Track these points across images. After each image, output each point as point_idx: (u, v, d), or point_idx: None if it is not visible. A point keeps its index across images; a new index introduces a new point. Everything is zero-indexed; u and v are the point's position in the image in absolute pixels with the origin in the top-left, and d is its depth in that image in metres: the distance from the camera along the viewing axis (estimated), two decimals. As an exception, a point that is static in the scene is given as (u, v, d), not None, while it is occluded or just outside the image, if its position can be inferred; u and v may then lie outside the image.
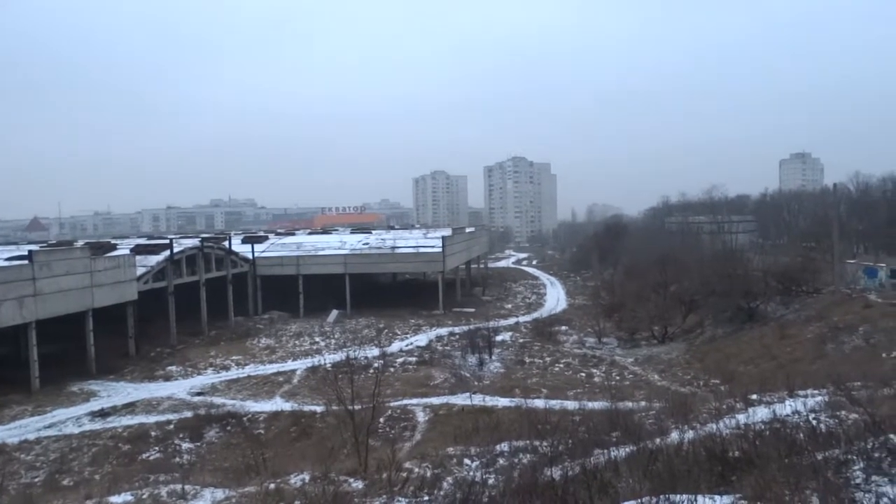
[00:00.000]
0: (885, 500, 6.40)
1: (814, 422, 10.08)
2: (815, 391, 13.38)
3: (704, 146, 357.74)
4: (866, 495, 6.61)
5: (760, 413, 11.23)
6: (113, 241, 60.27)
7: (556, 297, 71.82)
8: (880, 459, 7.41)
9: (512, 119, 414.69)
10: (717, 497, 6.77)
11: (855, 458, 7.60)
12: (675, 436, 10.46)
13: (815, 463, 7.57)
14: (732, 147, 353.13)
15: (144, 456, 24.94)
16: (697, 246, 74.60)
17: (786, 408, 11.37)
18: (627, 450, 9.84)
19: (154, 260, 47.14)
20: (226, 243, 60.54)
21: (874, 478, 7.01)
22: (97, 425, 28.10)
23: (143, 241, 63.42)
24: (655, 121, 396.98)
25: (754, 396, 13.73)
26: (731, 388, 19.33)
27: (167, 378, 37.02)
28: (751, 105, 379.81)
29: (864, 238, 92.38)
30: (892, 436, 7.91)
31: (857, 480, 7.04)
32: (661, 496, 6.77)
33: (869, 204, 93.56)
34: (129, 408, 30.71)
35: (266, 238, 73.73)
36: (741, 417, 11.11)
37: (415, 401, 28.35)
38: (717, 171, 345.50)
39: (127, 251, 47.18)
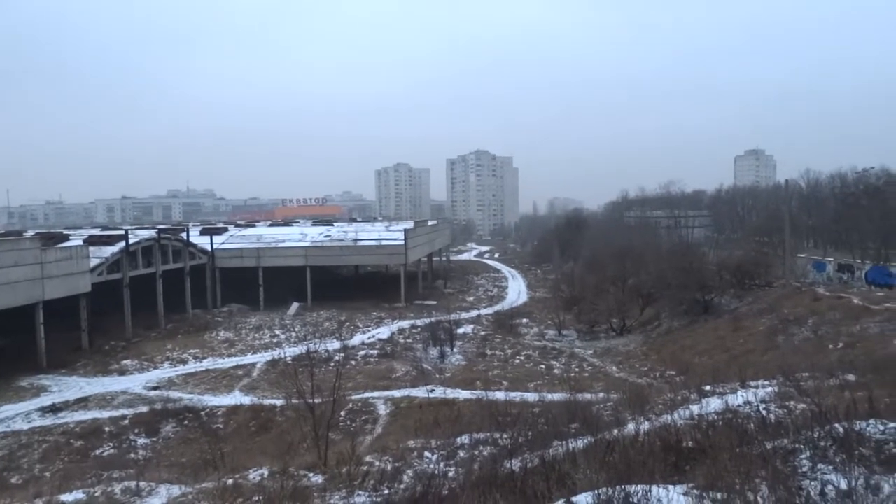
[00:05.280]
0: (830, 487, 6.62)
1: (764, 412, 10.36)
2: (766, 382, 13.77)
3: (664, 142, 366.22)
4: (812, 483, 6.83)
5: (714, 404, 11.49)
6: (65, 232, 58.51)
7: (517, 290, 72.38)
8: (826, 448, 7.66)
9: (476, 115, 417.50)
10: (670, 487, 6.90)
11: (802, 447, 7.84)
12: (631, 427, 10.63)
13: (765, 452, 7.78)
14: (690, 144, 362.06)
15: (97, 452, 24.31)
16: (655, 240, 75.95)
17: (738, 398, 11.66)
18: (585, 441, 9.96)
19: (108, 251, 45.94)
20: (183, 235, 59.25)
21: (820, 466, 7.25)
22: (48, 421, 27.29)
23: (97, 231, 61.83)
24: (617, 117, 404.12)
25: (708, 387, 14.04)
26: (686, 380, 19.76)
27: (122, 372, 36.18)
28: (708, 103, 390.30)
29: (814, 233, 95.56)
30: (836, 425, 8.18)
31: (804, 469, 7.27)
32: (617, 487, 6.87)
33: (819, 200, 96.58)
34: (82, 403, 29.91)
35: (225, 230, 72.46)
36: (695, 408, 11.35)
37: (376, 394, 28.27)
38: (676, 166, 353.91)
39: (80, 242, 45.82)
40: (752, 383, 13.77)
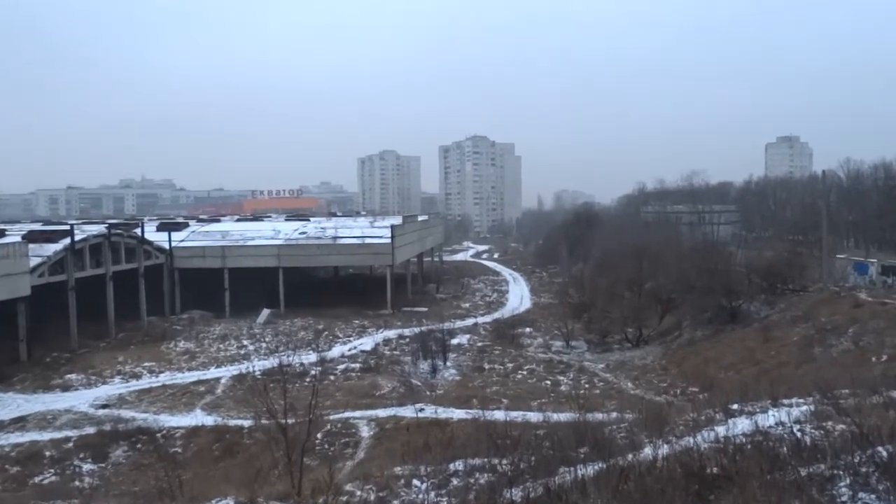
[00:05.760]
0: (873, 519, 6.63)
1: (798, 434, 10.39)
2: (801, 400, 13.83)
3: (685, 129, 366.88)
4: (852, 514, 6.84)
5: (741, 425, 11.52)
6: (1, 227, 58.09)
7: (519, 296, 72.44)
8: (868, 474, 7.69)
9: (473, 98, 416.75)
10: (692, 519, 6.91)
11: (841, 473, 7.86)
12: (648, 451, 10.65)
13: (799, 479, 7.81)
14: (715, 131, 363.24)
15: (36, 480, 24.17)
16: (675, 238, 76.17)
17: (769, 418, 11.70)
18: (596, 467, 9.96)
19: (51, 249, 45.67)
20: (138, 230, 59.08)
21: (861, 495, 7.27)
22: (-21, 444, 27.09)
23: (37, 226, 61.63)
24: (632, 102, 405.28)
25: (735, 406, 14.08)
26: (711, 397, 19.82)
27: (66, 388, 35.98)
28: (736, 86, 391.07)
29: (855, 230, 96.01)
30: (880, 448, 8.20)
31: (844, 498, 7.29)
32: (632, 519, 6.87)
33: (860, 193, 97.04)
34: (19, 423, 29.69)
35: (186, 225, 72.29)
36: (721, 430, 11.38)
37: (358, 413, 28.21)
38: (699, 156, 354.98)
39: (18, 238, 45.55)
40: (785, 401, 13.83)
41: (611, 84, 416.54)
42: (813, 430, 10.63)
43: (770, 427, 11.06)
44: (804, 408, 12.62)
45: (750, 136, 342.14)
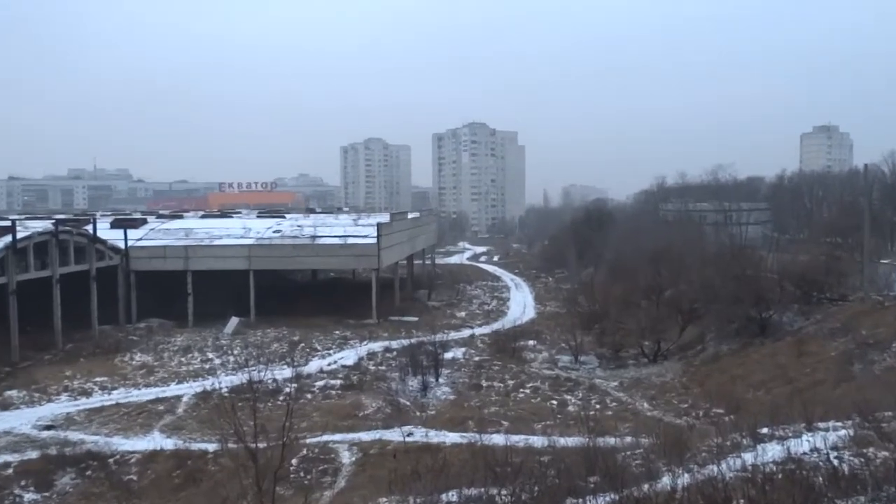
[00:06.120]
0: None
1: (835, 461, 10.43)
2: (839, 423, 13.88)
3: (710, 118, 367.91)
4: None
5: (772, 451, 11.55)
6: (-68, 223, 57.83)
7: (521, 304, 72.59)
8: (914, 508, 7.71)
9: (471, 84, 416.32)
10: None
11: (884, 506, 7.88)
12: (666, 481, 10.67)
13: (837, 513, 7.82)
14: (744, 120, 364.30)
15: (-28, 511, 24.07)
16: (699, 240, 76.32)
17: (802, 444, 11.74)
18: (608, 499, 9.98)
19: (-11, 249, 45.52)
20: (89, 227, 58.83)
21: (906, 531, 7.29)
22: None
23: (-26, 223, 61.17)
24: (651, 87, 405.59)
25: (765, 430, 14.14)
26: (737, 420, 19.87)
27: (5, 406, 35.88)
28: (767, 71, 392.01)
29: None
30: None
31: (886, 535, 7.31)
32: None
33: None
34: (-47, 447, 29.57)
35: (144, 221, 72.09)
36: (748, 457, 11.41)
37: (338, 437, 28.21)
38: (725, 147, 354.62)
39: (-48, 236, 45.40)
40: (821, 425, 13.88)
41: (628, 69, 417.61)
42: (852, 458, 10.66)
43: (804, 454, 11.09)
44: (842, 432, 12.66)
45: (783, 127, 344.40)
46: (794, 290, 44.84)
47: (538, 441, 22.77)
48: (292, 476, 23.31)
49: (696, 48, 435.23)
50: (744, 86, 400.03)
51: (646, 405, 34.42)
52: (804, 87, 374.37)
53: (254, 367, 36.03)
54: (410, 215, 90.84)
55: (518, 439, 22.18)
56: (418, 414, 32.55)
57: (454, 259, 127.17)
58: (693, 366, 42.18)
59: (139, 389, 38.94)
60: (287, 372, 38.28)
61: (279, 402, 32.07)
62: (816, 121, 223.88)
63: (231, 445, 17.88)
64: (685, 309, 48.10)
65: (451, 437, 26.79)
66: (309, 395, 36.60)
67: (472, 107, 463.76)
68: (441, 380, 39.13)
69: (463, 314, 66.07)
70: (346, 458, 26.14)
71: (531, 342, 51.36)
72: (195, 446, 28.10)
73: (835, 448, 11.30)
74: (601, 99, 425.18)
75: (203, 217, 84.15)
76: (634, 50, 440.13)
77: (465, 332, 54.89)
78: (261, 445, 15.41)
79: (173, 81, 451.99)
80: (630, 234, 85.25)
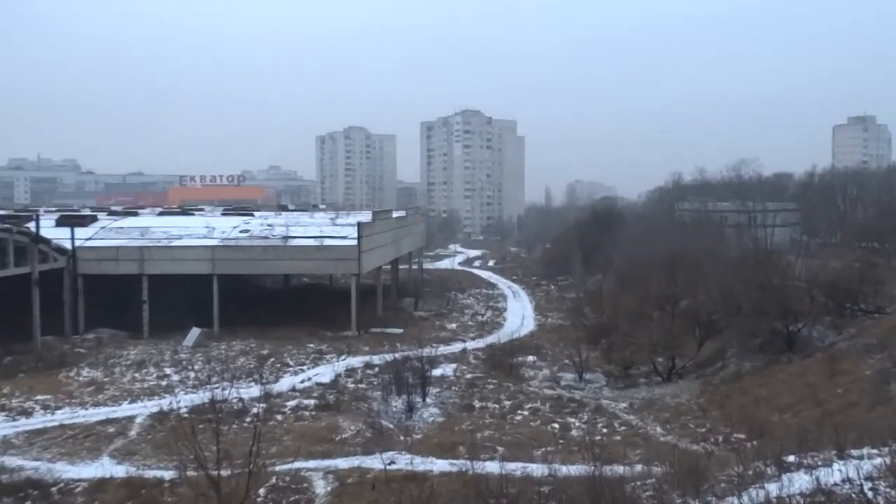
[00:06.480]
0: None
1: (870, 493, 10.49)
2: (874, 450, 13.96)
3: (732, 109, 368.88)
4: None
5: (799, 482, 11.62)
6: None
7: (520, 314, 72.66)
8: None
9: (466, 71, 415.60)
10: None
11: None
12: (681, 514, 10.70)
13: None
14: (770, 110, 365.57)
15: None
16: (719, 244, 76.59)
17: (833, 474, 11.80)
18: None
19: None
20: (31, 225, 58.60)
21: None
22: None
23: None
24: (666, 74, 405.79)
25: (791, 458, 14.20)
26: (761, 446, 19.93)
27: (-66, 428, 35.62)
28: (796, 57, 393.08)
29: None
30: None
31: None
32: None
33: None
34: None
35: (94, 218, 71.96)
36: (773, 487, 11.47)
37: (312, 464, 28.19)
38: (749, 141, 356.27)
39: None
40: (854, 452, 13.95)
41: (639, 56, 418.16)
42: (888, 489, 10.72)
43: (835, 485, 11.16)
44: (877, 460, 12.73)
45: (814, 119, 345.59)
46: (825, 301, 45.01)
47: (537, 469, 22.82)
48: (260, 508, 23.25)
49: (718, 34, 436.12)
50: (772, 76, 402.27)
51: (658, 429, 34.46)
52: (839, 76, 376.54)
53: (217, 385, 36.10)
54: (395, 214, 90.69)
55: (515, 467, 22.25)
56: (402, 438, 32.52)
57: (444, 264, 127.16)
58: (712, 385, 42.28)
59: (86, 409, 38.66)
60: (255, 390, 38.28)
61: (245, 425, 32.00)
62: (849, 111, 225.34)
63: (191, 473, 17.84)
64: (703, 321, 48.19)
65: (440, 465, 26.75)
66: (279, 417, 36.43)
67: (467, 98, 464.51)
68: (429, 400, 39.11)
69: (454, 326, 66.01)
70: (321, 487, 26.04)
71: (530, 358, 51.39)
72: (150, 474, 27.94)
73: (869, 478, 11.35)
74: (609, 94, 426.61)
75: (161, 214, 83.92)
76: (646, 38, 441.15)
77: (457, 347, 54.88)
78: (224, 473, 15.40)
79: (127, 62, 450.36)
80: (642, 236, 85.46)
